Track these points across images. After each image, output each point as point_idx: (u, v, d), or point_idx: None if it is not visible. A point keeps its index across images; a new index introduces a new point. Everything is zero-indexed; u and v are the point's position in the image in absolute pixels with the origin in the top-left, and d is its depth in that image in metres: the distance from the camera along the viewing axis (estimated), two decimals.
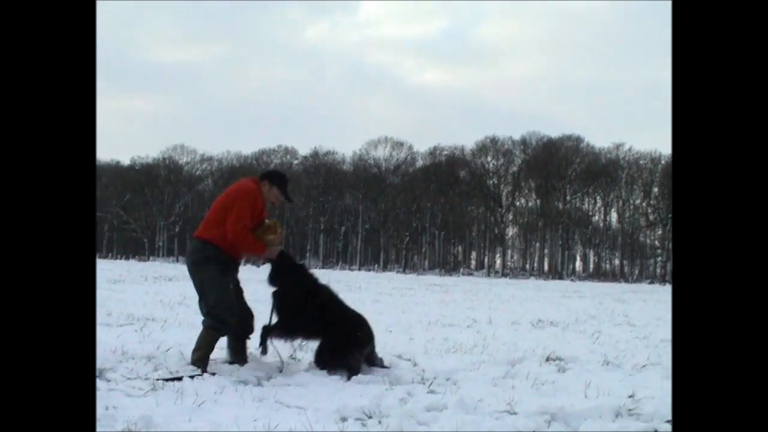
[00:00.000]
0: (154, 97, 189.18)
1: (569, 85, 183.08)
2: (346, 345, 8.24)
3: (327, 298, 8.61)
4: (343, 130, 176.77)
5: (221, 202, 8.47)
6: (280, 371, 8.05)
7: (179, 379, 7.33)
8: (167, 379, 7.28)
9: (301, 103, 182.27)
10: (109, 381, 7.13)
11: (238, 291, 8.63)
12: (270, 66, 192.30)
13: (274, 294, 8.60)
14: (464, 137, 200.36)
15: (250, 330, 8.62)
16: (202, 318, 8.28)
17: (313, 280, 8.71)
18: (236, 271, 8.66)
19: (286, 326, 8.39)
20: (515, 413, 6.11)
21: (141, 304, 16.87)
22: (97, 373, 7.38)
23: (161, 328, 11.56)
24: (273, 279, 8.62)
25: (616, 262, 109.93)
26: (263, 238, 8.45)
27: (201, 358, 7.93)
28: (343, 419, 5.88)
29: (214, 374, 7.68)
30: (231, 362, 8.37)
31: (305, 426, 5.51)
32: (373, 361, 8.49)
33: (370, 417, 5.93)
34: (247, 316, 8.57)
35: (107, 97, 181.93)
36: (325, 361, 8.19)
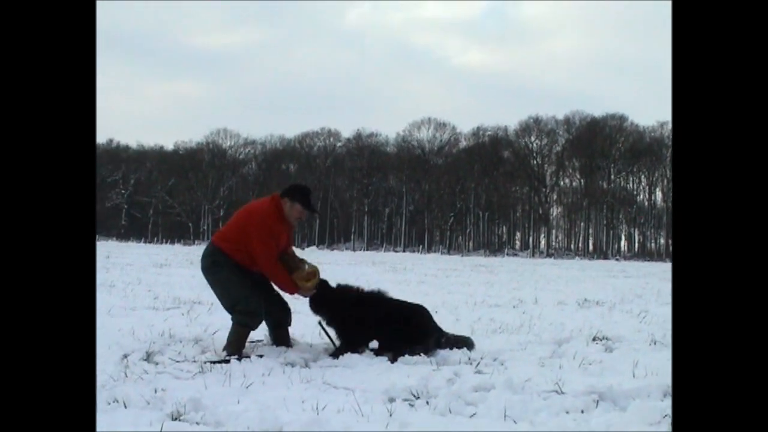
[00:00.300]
0: (197, 81, 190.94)
1: (613, 63, 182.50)
2: (407, 336, 8.25)
3: (377, 301, 8.61)
4: (386, 112, 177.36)
5: (240, 219, 8.43)
6: (329, 355, 8.04)
7: (227, 361, 7.37)
8: (215, 362, 7.33)
9: (343, 85, 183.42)
10: (157, 364, 7.20)
11: (264, 284, 8.50)
12: (312, 49, 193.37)
13: (329, 321, 8.52)
14: (507, 117, 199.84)
15: (286, 323, 8.59)
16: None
17: (358, 291, 8.69)
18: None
19: (351, 344, 8.30)
20: (563, 393, 6.08)
21: (187, 288, 16.98)
22: (146, 356, 7.46)
23: (208, 312, 11.62)
24: (319, 308, 8.53)
25: (662, 241, 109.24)
26: (299, 281, 8.33)
27: (232, 354, 7.89)
28: (391, 400, 5.87)
29: (261, 356, 7.71)
30: (277, 345, 8.38)
31: (353, 407, 5.51)
32: (454, 343, 8.49)
33: (418, 397, 5.93)
34: (279, 308, 8.54)
35: (150, 82, 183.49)
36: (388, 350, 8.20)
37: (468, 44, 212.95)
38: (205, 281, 8.46)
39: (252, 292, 8.23)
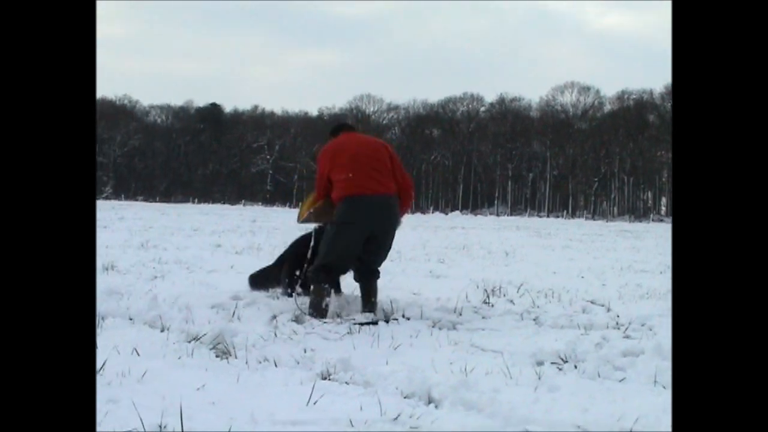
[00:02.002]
0: (340, 49, 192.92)
1: None
2: None
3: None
4: (528, 77, 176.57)
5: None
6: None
7: (375, 323, 7.43)
8: (363, 323, 7.40)
9: (483, 51, 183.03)
10: (305, 325, 7.31)
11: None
12: (448, 16, 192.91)
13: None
14: (653, 81, 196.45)
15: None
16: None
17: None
18: None
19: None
20: None
21: None
22: (294, 318, 7.57)
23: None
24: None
25: None
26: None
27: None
28: (539, 363, 5.84)
29: (408, 319, 7.76)
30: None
31: (502, 369, 5.51)
32: None
33: (566, 361, 5.89)
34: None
35: (294, 50, 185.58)
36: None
37: (606, 8, 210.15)
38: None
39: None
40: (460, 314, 8.12)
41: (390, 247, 8.38)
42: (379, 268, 8.36)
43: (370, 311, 8.02)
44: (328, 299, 7.94)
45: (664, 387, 5.23)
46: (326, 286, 7.98)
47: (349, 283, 8.50)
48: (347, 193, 8.07)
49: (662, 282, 12.07)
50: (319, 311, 7.80)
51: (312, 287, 8.06)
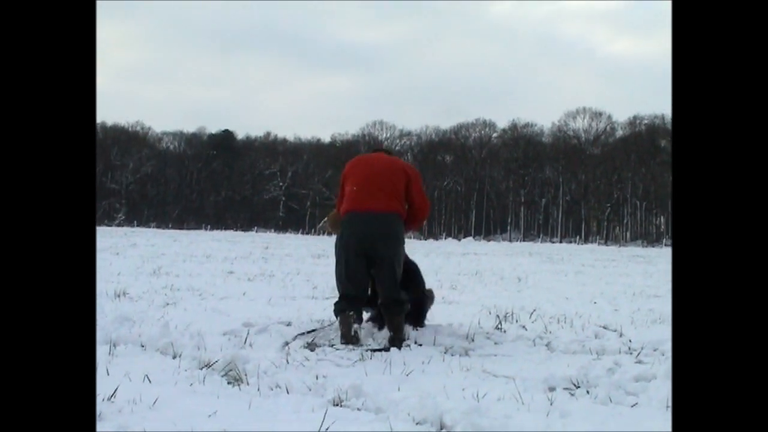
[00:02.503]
0: (352, 75, 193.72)
1: None
2: None
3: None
4: (540, 103, 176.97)
5: None
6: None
7: (387, 349, 7.42)
8: (375, 350, 7.39)
9: (494, 77, 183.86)
10: (317, 352, 7.30)
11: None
12: (459, 43, 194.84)
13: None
14: (665, 105, 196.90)
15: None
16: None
17: None
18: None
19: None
20: None
21: None
22: (306, 344, 7.57)
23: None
24: None
25: None
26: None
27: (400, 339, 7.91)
28: (551, 389, 5.84)
29: (420, 345, 7.75)
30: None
31: (514, 395, 5.50)
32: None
33: (578, 387, 5.88)
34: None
35: (305, 77, 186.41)
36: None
37: (614, 34, 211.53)
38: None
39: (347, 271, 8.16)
40: (473, 340, 8.11)
41: (396, 272, 8.12)
42: (404, 299, 8.13)
43: (393, 346, 7.72)
44: (356, 326, 7.86)
45: None
46: (351, 313, 7.91)
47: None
48: (347, 207, 8.14)
49: None
50: (348, 339, 7.75)
51: (338, 317, 8.01)
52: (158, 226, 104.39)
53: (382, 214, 8.02)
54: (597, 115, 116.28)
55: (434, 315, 9.25)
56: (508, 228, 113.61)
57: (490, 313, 10.24)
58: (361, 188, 8.06)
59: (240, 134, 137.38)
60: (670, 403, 5.33)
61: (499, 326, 9.18)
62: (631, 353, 7.52)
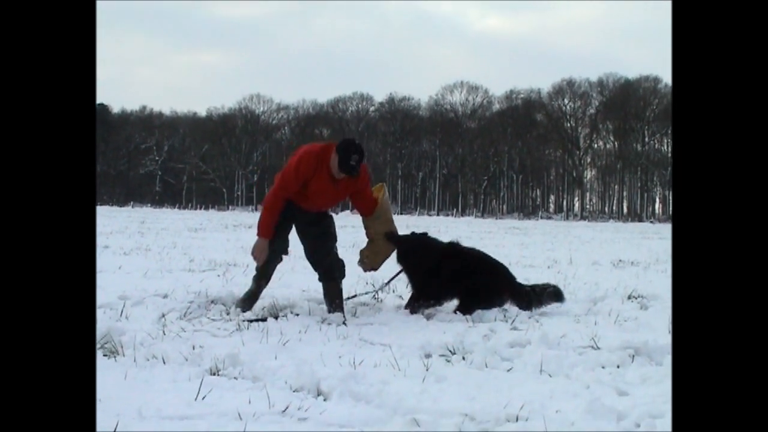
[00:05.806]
0: (227, 50, 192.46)
1: (641, 26, 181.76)
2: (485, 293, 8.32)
3: (459, 256, 8.76)
4: (417, 77, 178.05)
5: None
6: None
7: (264, 319, 7.42)
8: (252, 320, 7.38)
9: (371, 52, 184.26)
10: (194, 323, 7.25)
11: (313, 233, 8.43)
12: (331, 19, 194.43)
13: (407, 270, 8.66)
14: (541, 80, 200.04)
15: (334, 276, 8.36)
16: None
17: (439, 244, 8.96)
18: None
19: (427, 295, 8.42)
20: (598, 348, 6.08)
21: (222, 251, 17.05)
22: (182, 316, 7.52)
23: (243, 273, 11.66)
24: (402, 259, 8.68)
25: None
26: (366, 252, 8.67)
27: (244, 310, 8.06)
28: (428, 355, 5.91)
29: (297, 315, 7.75)
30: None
31: (390, 361, 5.55)
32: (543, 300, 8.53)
33: (454, 353, 5.96)
34: (328, 258, 8.34)
35: (180, 52, 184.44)
36: (468, 308, 8.17)
37: (486, 11, 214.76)
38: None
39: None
40: (354, 313, 8.14)
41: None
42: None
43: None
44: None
45: (549, 375, 5.33)
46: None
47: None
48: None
49: (549, 277, 12.25)
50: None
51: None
52: None
53: None
54: (474, 89, 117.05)
55: (310, 286, 9.27)
56: None
57: (367, 283, 10.28)
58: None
59: (115, 108, 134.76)
60: (543, 367, 5.45)
61: (376, 296, 9.23)
62: (506, 320, 7.64)
